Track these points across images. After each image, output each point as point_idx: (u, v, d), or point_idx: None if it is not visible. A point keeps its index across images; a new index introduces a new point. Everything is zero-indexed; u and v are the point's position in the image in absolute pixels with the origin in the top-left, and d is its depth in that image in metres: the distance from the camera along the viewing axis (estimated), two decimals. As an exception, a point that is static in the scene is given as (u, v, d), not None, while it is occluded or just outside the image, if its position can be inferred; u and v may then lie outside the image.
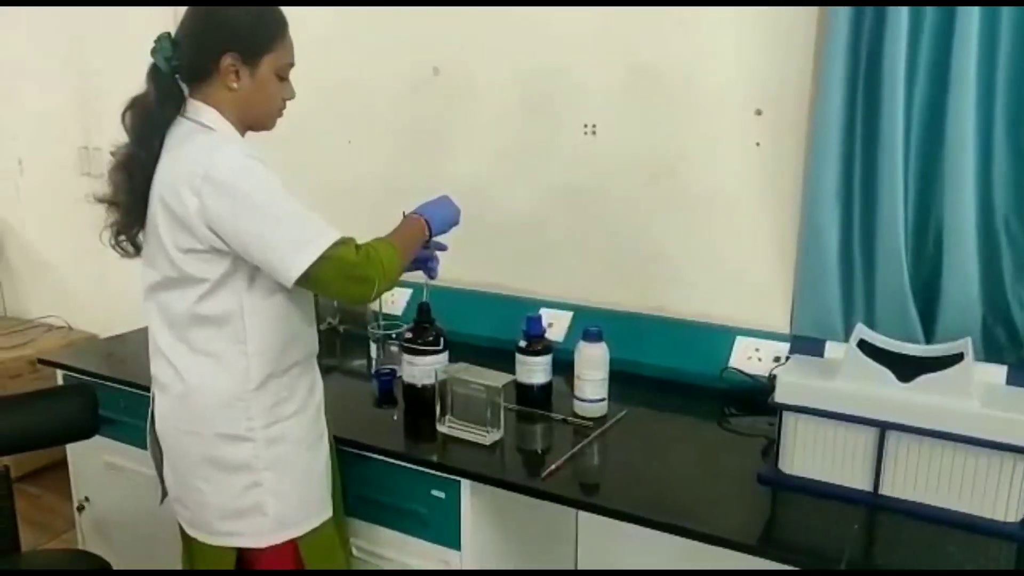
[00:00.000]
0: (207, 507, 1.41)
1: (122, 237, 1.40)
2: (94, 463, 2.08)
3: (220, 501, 1.39)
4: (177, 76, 1.35)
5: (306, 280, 1.27)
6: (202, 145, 1.30)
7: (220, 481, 1.38)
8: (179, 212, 1.28)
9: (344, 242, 1.29)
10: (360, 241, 1.32)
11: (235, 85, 1.35)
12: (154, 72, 1.35)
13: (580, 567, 2.02)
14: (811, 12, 1.69)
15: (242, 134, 1.39)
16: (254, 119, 1.41)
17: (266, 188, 1.28)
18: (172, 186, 1.29)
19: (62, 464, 2.20)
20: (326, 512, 1.48)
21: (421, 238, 1.46)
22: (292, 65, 1.42)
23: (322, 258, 1.26)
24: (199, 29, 1.35)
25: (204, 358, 1.36)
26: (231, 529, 1.41)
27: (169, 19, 2.60)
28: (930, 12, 1.53)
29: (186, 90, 1.37)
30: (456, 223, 1.53)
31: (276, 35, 1.38)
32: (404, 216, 1.49)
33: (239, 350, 1.35)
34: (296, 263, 1.25)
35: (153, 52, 1.34)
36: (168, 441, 1.43)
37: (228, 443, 1.37)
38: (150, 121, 1.34)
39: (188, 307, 1.34)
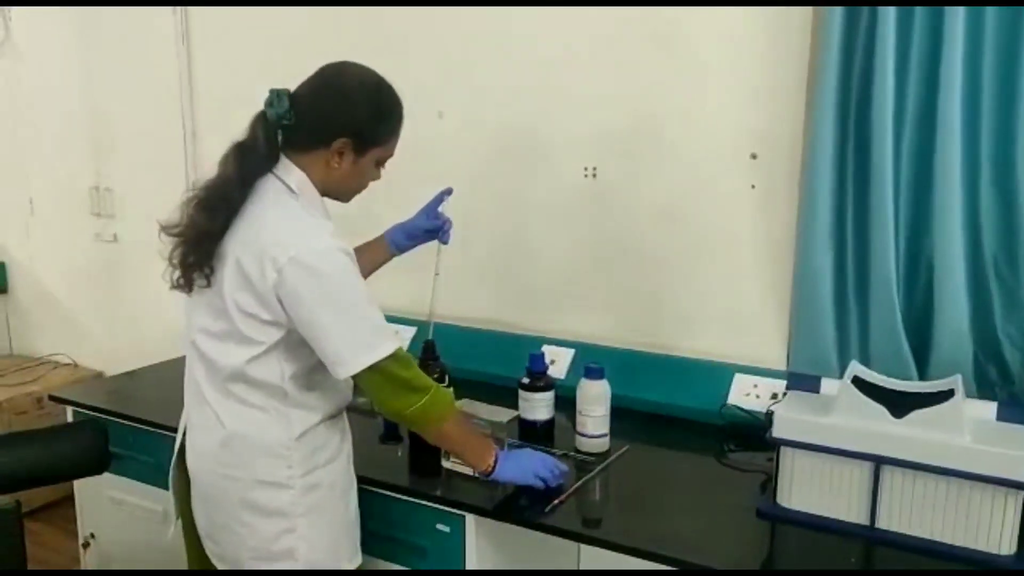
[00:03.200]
0: (239, 548, 1.42)
1: (178, 273, 1.38)
2: (100, 499, 2.10)
3: (253, 543, 1.40)
4: (279, 131, 1.36)
5: (356, 379, 1.34)
6: (293, 222, 1.33)
7: (255, 525, 1.40)
8: (255, 280, 1.30)
9: (401, 357, 1.35)
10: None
11: (336, 165, 1.37)
12: (262, 122, 1.35)
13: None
14: (803, 60, 1.77)
15: (321, 196, 1.41)
16: (337, 193, 1.43)
17: (345, 282, 1.32)
18: (254, 253, 1.30)
19: (64, 501, 2.21)
20: (356, 559, 1.49)
21: (476, 461, 1.47)
22: (392, 155, 1.45)
23: (375, 367, 1.32)
24: (324, 107, 1.36)
25: (247, 408, 1.38)
26: (261, 570, 1.42)
27: (184, 65, 2.70)
28: (916, 58, 1.59)
29: (280, 143, 1.37)
30: (537, 476, 1.48)
31: (392, 131, 1.42)
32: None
33: (281, 405, 1.38)
34: (352, 364, 1.32)
35: (268, 105, 1.35)
36: (203, 481, 1.44)
37: (267, 489, 1.38)
38: (251, 167, 1.35)
39: (235, 364, 1.36)
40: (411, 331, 2.28)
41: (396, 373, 1.34)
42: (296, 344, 1.35)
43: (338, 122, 1.36)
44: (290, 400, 1.38)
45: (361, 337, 1.33)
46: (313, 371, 1.38)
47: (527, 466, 1.49)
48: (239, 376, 1.37)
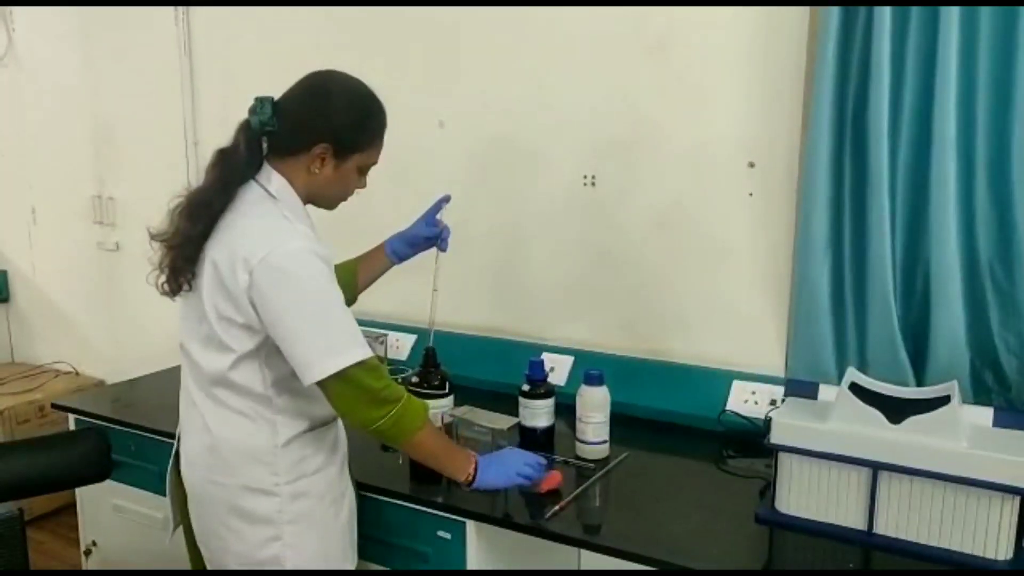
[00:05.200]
0: (227, 553, 1.43)
1: (163, 278, 1.40)
2: (103, 507, 2.11)
3: (240, 550, 1.41)
4: (263, 137, 1.38)
5: (321, 386, 1.31)
6: (267, 224, 1.33)
7: (242, 531, 1.40)
8: (229, 284, 1.31)
9: (371, 367, 1.32)
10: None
11: (317, 171, 1.38)
12: (245, 129, 1.37)
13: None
14: (799, 69, 1.78)
15: (303, 203, 1.42)
16: (320, 200, 1.44)
17: (314, 286, 1.31)
18: (228, 257, 1.32)
19: (67, 509, 2.22)
20: (346, 568, 1.49)
21: (455, 472, 1.44)
22: (375, 163, 1.46)
23: (340, 374, 1.29)
24: (304, 113, 1.37)
25: (232, 414, 1.39)
26: (262, 571, 1.42)
27: (186, 74, 2.72)
28: (911, 66, 1.61)
29: (264, 150, 1.39)
30: (520, 475, 1.47)
31: (373, 138, 1.42)
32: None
33: (266, 411, 1.38)
34: (318, 369, 1.29)
35: (251, 112, 1.37)
36: (194, 487, 1.46)
37: (253, 496, 1.39)
38: (233, 174, 1.37)
39: (217, 369, 1.37)
40: (411, 339, 2.29)
41: (364, 382, 1.32)
42: (275, 350, 1.35)
43: (318, 127, 1.37)
44: (275, 407, 1.38)
45: (328, 342, 1.30)
46: (295, 379, 1.36)
47: (508, 468, 1.48)
48: (222, 381, 1.38)
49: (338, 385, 1.31)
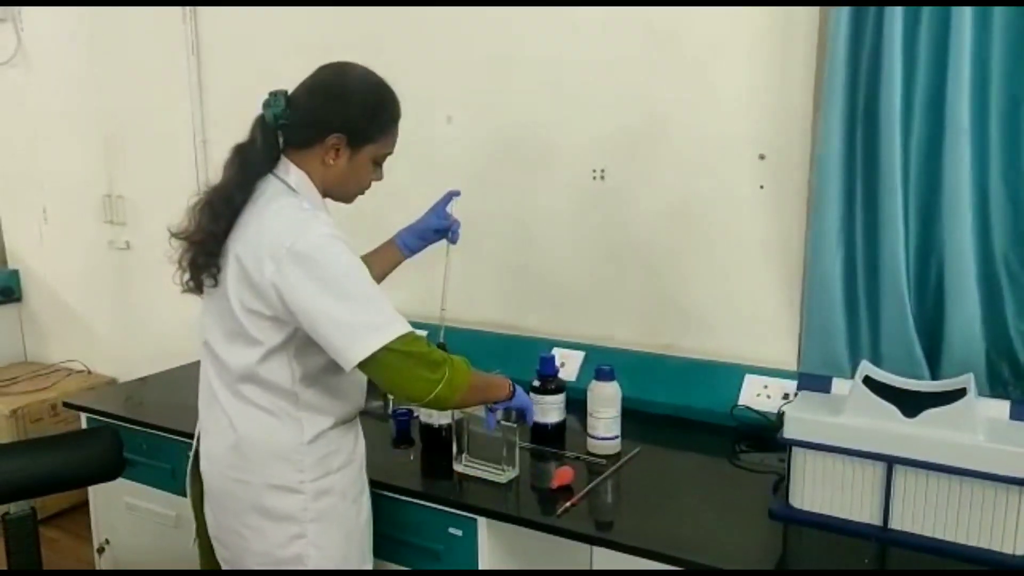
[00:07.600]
0: (248, 553, 1.41)
1: (187, 275, 1.39)
2: (115, 505, 2.12)
3: (262, 549, 1.40)
4: (279, 131, 1.38)
5: (368, 365, 1.29)
6: (289, 215, 1.32)
7: (265, 529, 1.39)
8: (254, 277, 1.30)
9: (415, 336, 1.31)
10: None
11: (332, 162, 1.38)
12: (261, 123, 1.37)
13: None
14: (810, 60, 1.76)
15: (322, 196, 1.42)
16: (337, 192, 1.44)
17: (345, 268, 1.29)
18: (252, 250, 1.31)
19: (79, 507, 2.23)
20: (366, 565, 1.49)
21: (499, 394, 1.49)
22: (390, 154, 1.46)
23: (388, 347, 1.27)
24: (317, 103, 1.37)
25: (258, 411, 1.37)
26: (276, 571, 1.41)
27: (194, 72, 2.72)
28: (923, 57, 1.59)
29: (281, 144, 1.39)
30: (527, 409, 1.56)
31: (386, 128, 1.42)
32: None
33: (291, 408, 1.37)
34: (362, 347, 1.27)
35: (265, 106, 1.37)
36: (215, 486, 1.45)
37: (277, 494, 1.38)
38: (252, 168, 1.37)
39: (244, 364, 1.36)
40: (422, 334, 2.28)
41: (414, 349, 1.30)
42: (305, 344, 1.34)
43: (331, 118, 1.37)
44: (301, 403, 1.38)
45: (369, 319, 1.28)
46: (324, 373, 1.37)
47: (527, 405, 1.56)
48: (249, 377, 1.37)
49: (388, 358, 1.28)
